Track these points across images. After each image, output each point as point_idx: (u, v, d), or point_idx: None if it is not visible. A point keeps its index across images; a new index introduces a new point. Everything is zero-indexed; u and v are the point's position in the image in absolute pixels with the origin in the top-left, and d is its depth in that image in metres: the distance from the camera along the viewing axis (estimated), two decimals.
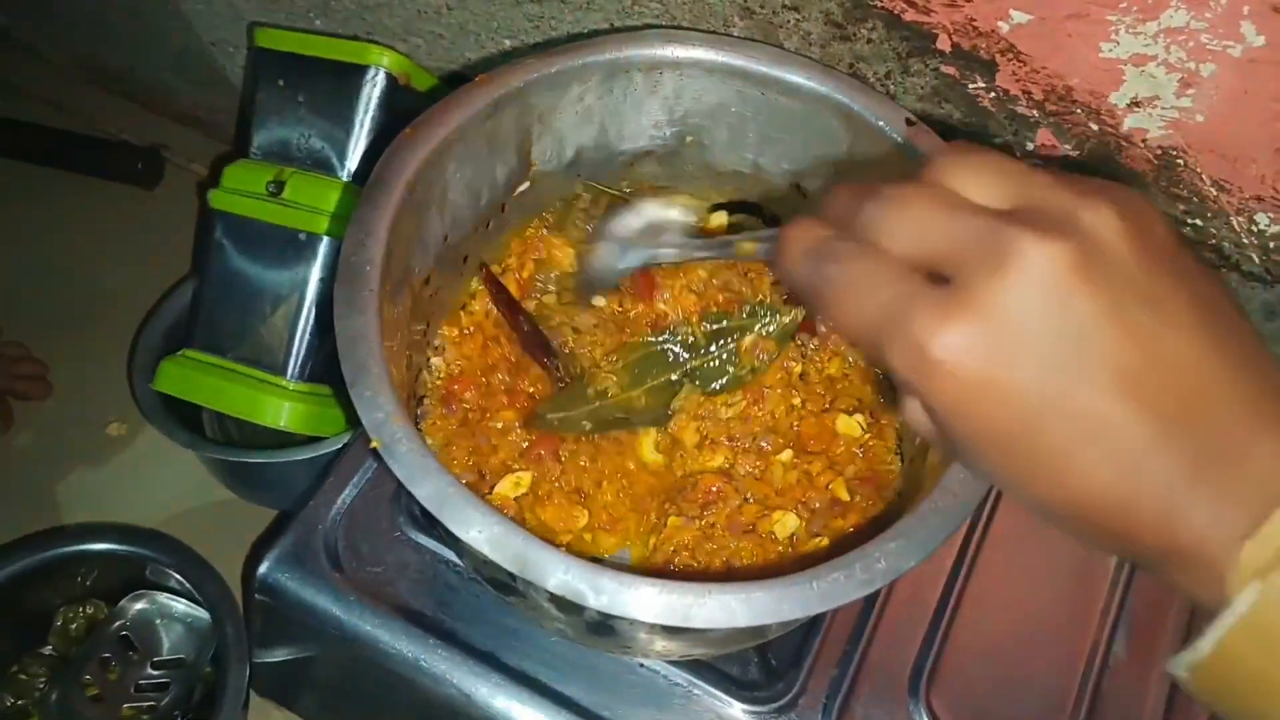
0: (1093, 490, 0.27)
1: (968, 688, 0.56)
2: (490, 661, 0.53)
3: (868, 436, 0.55)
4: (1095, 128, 0.52)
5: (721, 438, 0.54)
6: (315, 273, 0.67)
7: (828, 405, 0.56)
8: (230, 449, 0.75)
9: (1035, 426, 0.27)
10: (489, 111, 0.52)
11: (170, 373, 0.70)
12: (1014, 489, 0.29)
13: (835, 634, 0.56)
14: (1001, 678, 0.56)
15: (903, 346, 0.28)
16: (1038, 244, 0.26)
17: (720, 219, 0.60)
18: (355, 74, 0.67)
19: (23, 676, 0.68)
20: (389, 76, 0.67)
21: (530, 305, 0.59)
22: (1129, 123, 0.51)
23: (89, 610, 0.70)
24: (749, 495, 0.52)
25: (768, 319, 0.56)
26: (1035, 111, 0.53)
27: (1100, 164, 0.54)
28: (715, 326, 0.56)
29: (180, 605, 0.70)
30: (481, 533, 0.38)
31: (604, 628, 0.44)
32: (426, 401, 0.56)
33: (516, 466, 0.52)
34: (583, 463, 0.53)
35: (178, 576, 0.68)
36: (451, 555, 0.56)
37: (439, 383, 0.56)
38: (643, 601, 0.37)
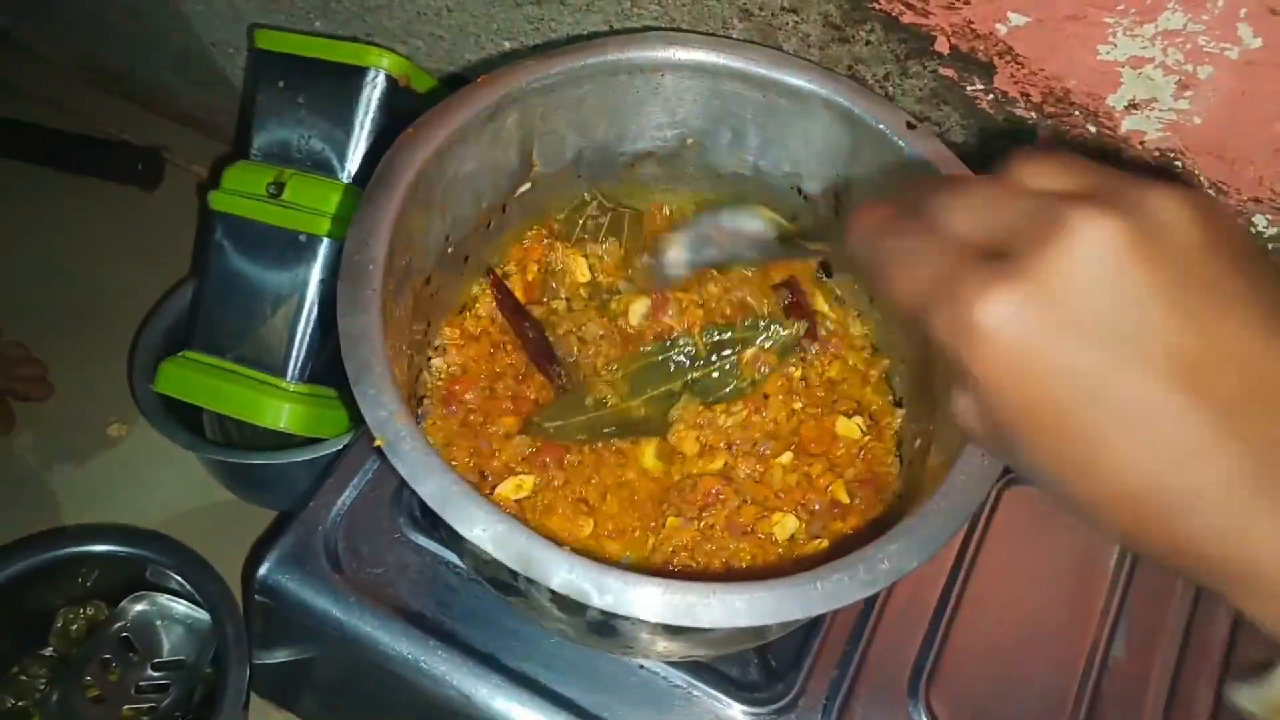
0: (1138, 485, 0.26)
1: (967, 688, 0.56)
2: (490, 663, 0.53)
3: (867, 439, 0.55)
4: (1093, 130, 0.52)
5: (720, 444, 0.54)
6: (315, 274, 0.67)
7: (828, 408, 0.56)
8: (230, 450, 0.75)
9: (1078, 408, 0.26)
10: (491, 112, 0.52)
11: (170, 374, 0.70)
12: (1055, 482, 0.28)
13: (835, 635, 0.56)
14: (1001, 678, 0.56)
15: (948, 312, 0.27)
16: (1096, 217, 0.25)
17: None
18: (355, 76, 0.67)
19: (23, 677, 0.68)
20: (389, 78, 0.67)
21: (538, 311, 0.59)
22: (1127, 125, 0.51)
23: (89, 611, 0.70)
24: (748, 497, 0.52)
25: (770, 332, 0.56)
26: (1033, 113, 0.54)
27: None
28: (717, 338, 0.56)
29: (180, 606, 0.70)
30: (485, 531, 0.38)
31: (606, 628, 0.44)
32: (427, 401, 0.56)
33: (519, 470, 0.53)
34: (587, 473, 0.53)
35: (178, 578, 0.68)
36: (452, 556, 0.56)
37: (439, 383, 0.56)
38: (647, 601, 0.37)
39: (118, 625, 0.69)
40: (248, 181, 0.69)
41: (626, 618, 0.36)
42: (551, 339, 0.57)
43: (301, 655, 0.62)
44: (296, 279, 0.67)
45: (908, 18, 0.52)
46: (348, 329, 0.42)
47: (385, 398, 0.41)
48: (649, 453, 0.54)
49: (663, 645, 0.48)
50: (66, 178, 1.00)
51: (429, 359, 0.57)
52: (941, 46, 0.53)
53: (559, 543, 0.38)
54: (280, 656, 0.63)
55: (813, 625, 0.56)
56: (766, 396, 0.56)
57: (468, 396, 0.55)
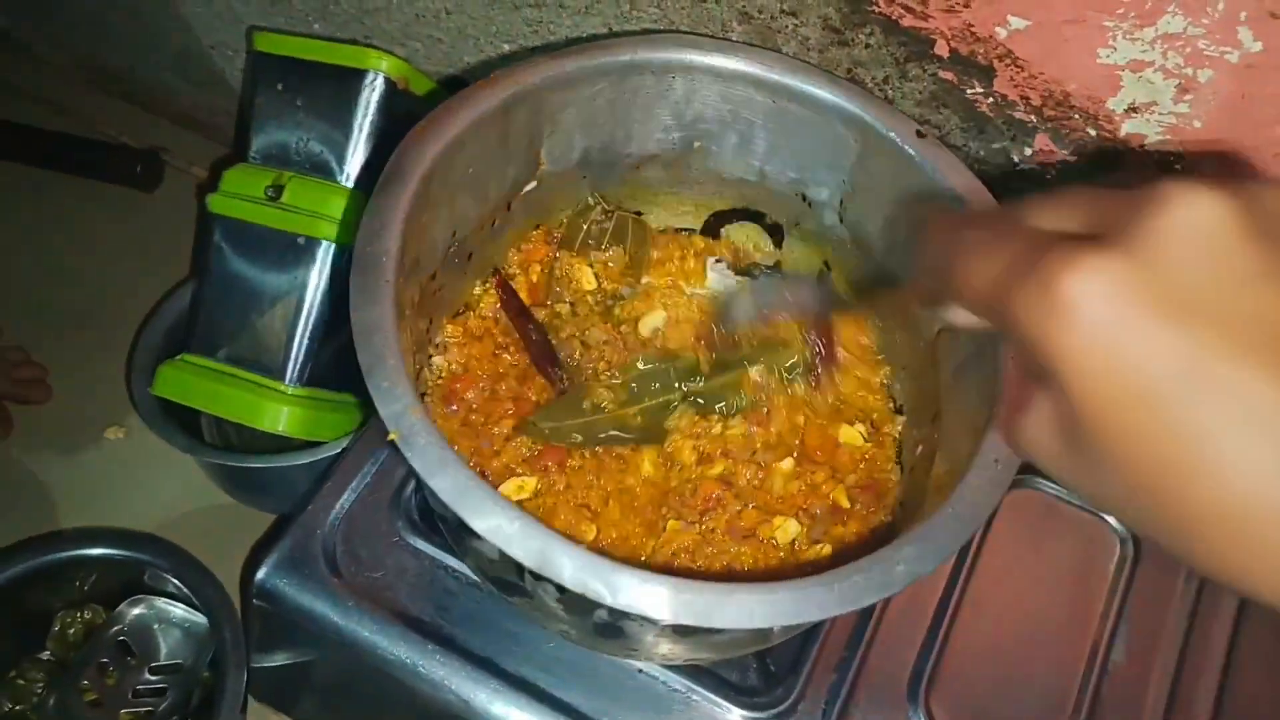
0: (1247, 492, 0.22)
1: (967, 692, 0.56)
2: (489, 667, 0.53)
3: (869, 446, 0.55)
4: (1093, 133, 0.52)
5: (718, 451, 0.54)
6: (314, 277, 0.67)
7: (833, 417, 0.56)
8: (229, 454, 0.75)
9: (1179, 400, 0.22)
10: (503, 108, 0.52)
11: (168, 377, 0.70)
12: (1144, 502, 0.24)
13: (834, 639, 0.56)
14: (1001, 682, 0.56)
15: (1032, 290, 0.24)
16: (1202, 192, 0.23)
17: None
18: (354, 78, 0.67)
19: (20, 681, 0.68)
20: (388, 81, 0.67)
21: (543, 314, 0.59)
22: (1126, 128, 0.51)
23: (87, 615, 0.70)
24: (749, 502, 0.52)
25: (779, 356, 0.55)
26: (1033, 117, 0.53)
27: (1098, 170, 0.54)
28: (723, 357, 0.56)
29: (178, 610, 0.70)
30: (502, 526, 0.37)
31: (612, 629, 0.44)
32: (427, 399, 0.56)
33: (521, 472, 0.52)
34: (589, 478, 0.53)
35: (176, 581, 0.68)
36: (451, 560, 0.56)
37: (440, 381, 0.56)
38: (661, 601, 0.36)
39: (115, 629, 0.69)
40: (246, 184, 0.69)
41: (635, 618, 0.36)
42: (555, 342, 0.57)
43: (300, 659, 0.62)
44: (295, 281, 0.67)
45: (907, 21, 0.52)
46: (361, 321, 0.42)
47: (399, 390, 0.40)
48: (648, 460, 0.54)
49: (667, 648, 0.48)
50: (65, 179, 1.00)
51: (429, 357, 0.57)
52: (941, 50, 0.53)
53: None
54: (278, 660, 0.63)
55: (812, 629, 0.56)
56: (769, 411, 0.55)
57: (469, 395, 0.55)
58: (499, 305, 0.59)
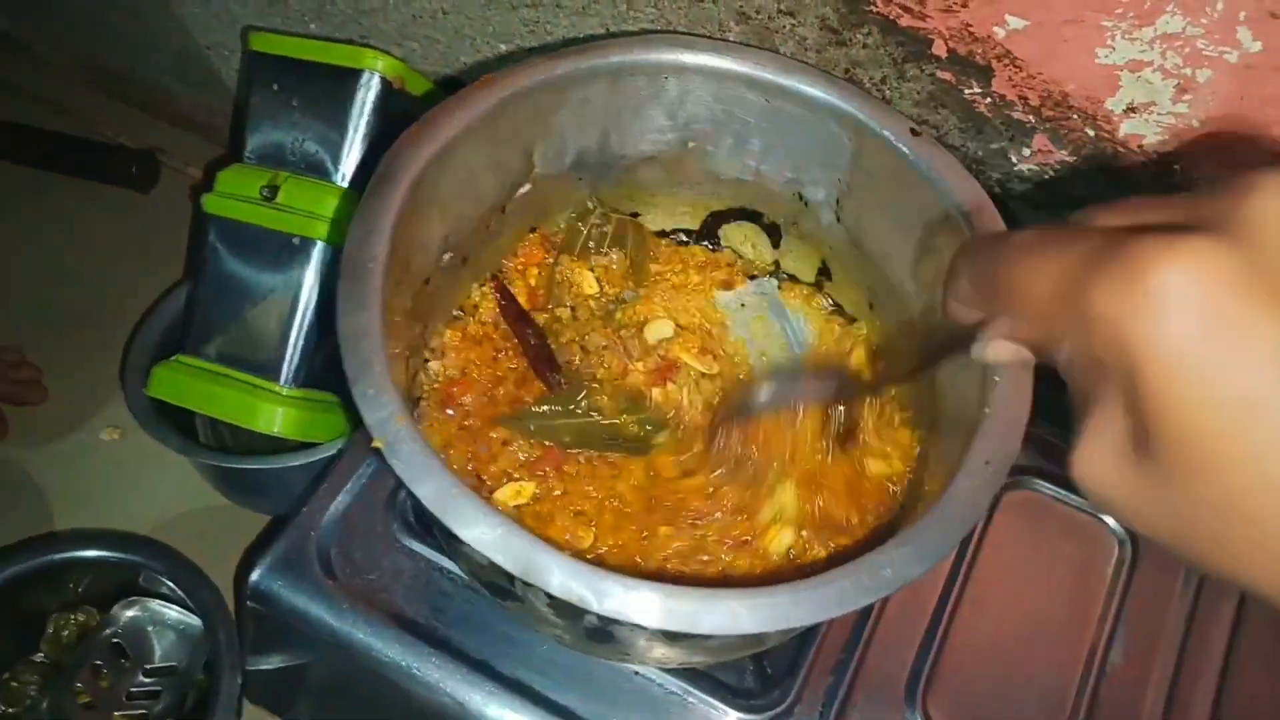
0: None
1: (965, 693, 0.55)
2: (484, 670, 0.53)
3: (902, 469, 0.53)
4: (1091, 133, 0.52)
5: (701, 469, 0.53)
6: (309, 277, 0.67)
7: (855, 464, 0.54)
8: (224, 455, 0.75)
9: None
10: (496, 111, 0.51)
11: (163, 378, 0.70)
12: (1236, 528, 0.21)
13: (831, 641, 0.56)
14: (999, 683, 0.56)
15: (1116, 279, 0.21)
16: None
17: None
18: (349, 78, 0.67)
19: (14, 684, 0.68)
20: (383, 81, 0.67)
21: (543, 319, 0.59)
22: (1125, 128, 0.51)
23: (81, 617, 0.70)
24: (741, 514, 0.52)
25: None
26: (1031, 117, 0.53)
27: (1097, 170, 0.54)
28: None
29: (173, 612, 0.70)
30: (485, 534, 0.37)
31: (603, 634, 0.44)
32: (424, 404, 0.56)
33: (519, 476, 0.52)
34: (585, 484, 0.52)
35: (170, 583, 0.67)
36: (446, 562, 0.56)
37: (437, 385, 0.56)
38: (648, 607, 0.36)
39: (109, 631, 0.69)
40: (241, 184, 0.69)
41: (626, 624, 0.36)
42: (554, 346, 0.57)
43: (294, 661, 0.62)
44: (290, 282, 0.67)
45: (905, 21, 0.52)
46: (348, 328, 0.42)
47: (385, 398, 0.40)
48: (638, 467, 0.53)
49: (660, 652, 0.47)
50: (61, 180, 1.00)
51: (425, 361, 0.57)
52: (939, 50, 0.53)
53: (559, 548, 0.37)
54: (273, 663, 0.63)
55: (809, 631, 0.55)
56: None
57: (466, 400, 0.55)
58: (498, 310, 0.59)
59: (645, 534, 0.51)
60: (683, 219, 0.65)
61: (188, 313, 0.71)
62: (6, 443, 0.83)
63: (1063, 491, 0.63)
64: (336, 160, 0.68)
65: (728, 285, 0.64)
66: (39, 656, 0.69)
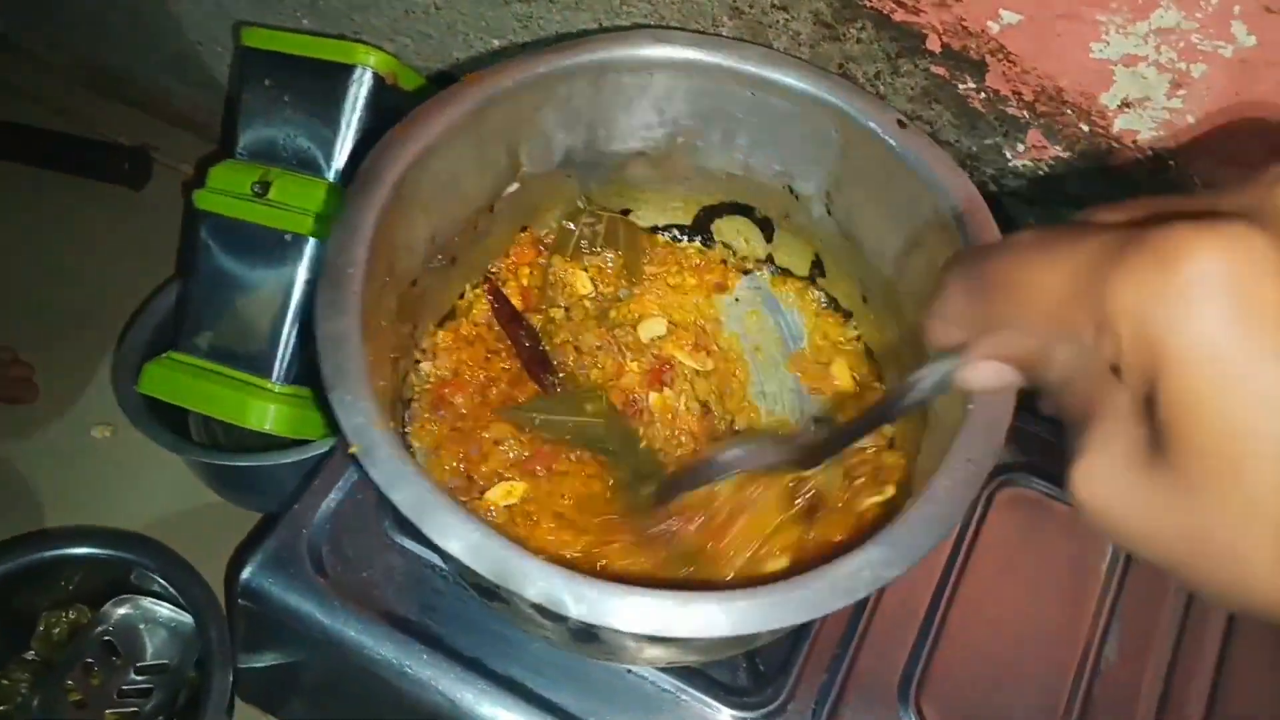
0: None
1: (958, 693, 0.55)
2: (476, 668, 0.52)
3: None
4: (1086, 129, 0.52)
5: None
6: (301, 274, 0.66)
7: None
8: (216, 452, 0.74)
9: None
10: (477, 111, 0.51)
11: (154, 375, 0.69)
12: (1263, 545, 0.19)
13: (824, 639, 0.55)
14: (992, 682, 0.56)
15: (1144, 267, 0.19)
16: None
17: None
18: (341, 73, 0.66)
19: (5, 682, 0.67)
20: (375, 76, 0.66)
21: (537, 320, 0.59)
22: (1120, 124, 0.51)
23: (72, 615, 0.69)
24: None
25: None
26: (1026, 112, 0.53)
27: (1091, 165, 0.54)
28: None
29: (164, 610, 0.69)
30: (460, 541, 0.37)
31: (589, 635, 0.44)
32: (415, 405, 0.55)
33: (510, 476, 0.52)
34: (576, 484, 0.52)
35: (162, 581, 0.67)
36: (438, 560, 0.56)
37: (428, 386, 0.56)
38: (623, 610, 0.36)
39: (101, 629, 0.69)
40: (233, 180, 0.68)
41: (604, 627, 0.36)
42: (548, 347, 0.57)
43: (286, 659, 0.62)
44: (282, 279, 0.67)
45: (899, 15, 0.52)
46: (325, 333, 0.42)
47: (362, 403, 0.40)
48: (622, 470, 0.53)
49: (649, 652, 0.47)
50: (53, 177, 0.99)
51: (417, 362, 0.56)
52: (933, 44, 0.52)
53: (537, 552, 0.37)
54: (265, 660, 0.63)
55: (802, 630, 0.55)
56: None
57: (458, 400, 0.55)
58: (491, 312, 0.59)
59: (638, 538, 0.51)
60: (675, 214, 0.65)
61: (179, 309, 0.71)
62: None
63: (1056, 489, 0.62)
64: (328, 156, 0.67)
65: (722, 288, 0.64)
66: (30, 654, 0.69)
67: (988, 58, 0.51)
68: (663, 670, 0.53)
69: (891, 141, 0.51)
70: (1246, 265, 0.19)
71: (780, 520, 0.46)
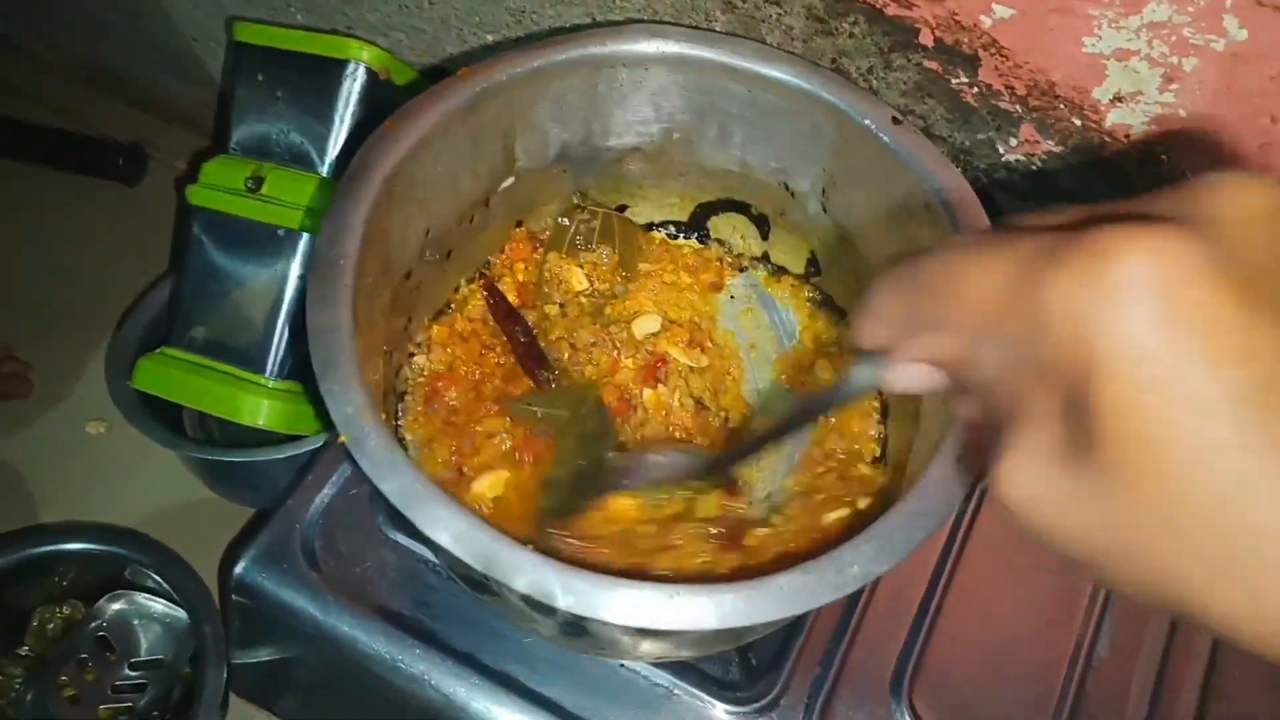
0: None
1: (950, 687, 0.55)
2: (470, 662, 0.52)
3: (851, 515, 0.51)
4: (1078, 123, 0.52)
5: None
6: (294, 269, 0.66)
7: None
8: (210, 448, 0.74)
9: (1262, 428, 0.18)
10: (470, 106, 0.51)
11: (148, 371, 0.69)
12: (1180, 537, 0.19)
13: (817, 634, 0.55)
14: (985, 677, 0.56)
15: (1076, 269, 0.20)
16: (1256, 180, 0.21)
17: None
18: (335, 68, 0.66)
19: None
20: (369, 71, 0.66)
21: (532, 316, 0.59)
22: (1112, 118, 0.51)
23: (66, 610, 0.69)
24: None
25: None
26: (1018, 107, 0.53)
27: (1084, 160, 0.54)
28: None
29: (159, 605, 0.69)
30: (448, 531, 0.37)
31: (579, 629, 0.44)
32: (409, 398, 0.55)
33: (499, 467, 0.52)
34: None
35: (156, 576, 0.67)
36: (431, 555, 0.56)
37: (422, 380, 0.56)
38: (612, 602, 0.36)
39: (95, 624, 0.69)
40: (226, 176, 0.68)
41: (592, 619, 0.36)
42: (544, 344, 0.57)
43: (280, 655, 0.62)
44: (275, 274, 0.67)
45: (891, 10, 0.52)
46: (316, 325, 0.42)
47: (351, 394, 0.40)
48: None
49: (640, 646, 0.47)
50: (48, 173, 0.99)
51: (411, 355, 0.56)
52: (926, 39, 0.52)
53: (524, 542, 0.37)
54: (259, 656, 0.63)
55: (795, 624, 0.55)
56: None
57: (451, 395, 0.55)
58: (487, 308, 0.59)
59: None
60: (671, 211, 0.65)
61: (173, 305, 0.71)
62: None
63: None
64: (321, 151, 0.67)
65: (717, 288, 0.64)
66: (24, 650, 0.69)
67: (980, 52, 0.51)
68: (656, 665, 0.53)
69: (885, 138, 0.51)
70: (1176, 269, 0.19)
71: (703, 561, 0.46)
